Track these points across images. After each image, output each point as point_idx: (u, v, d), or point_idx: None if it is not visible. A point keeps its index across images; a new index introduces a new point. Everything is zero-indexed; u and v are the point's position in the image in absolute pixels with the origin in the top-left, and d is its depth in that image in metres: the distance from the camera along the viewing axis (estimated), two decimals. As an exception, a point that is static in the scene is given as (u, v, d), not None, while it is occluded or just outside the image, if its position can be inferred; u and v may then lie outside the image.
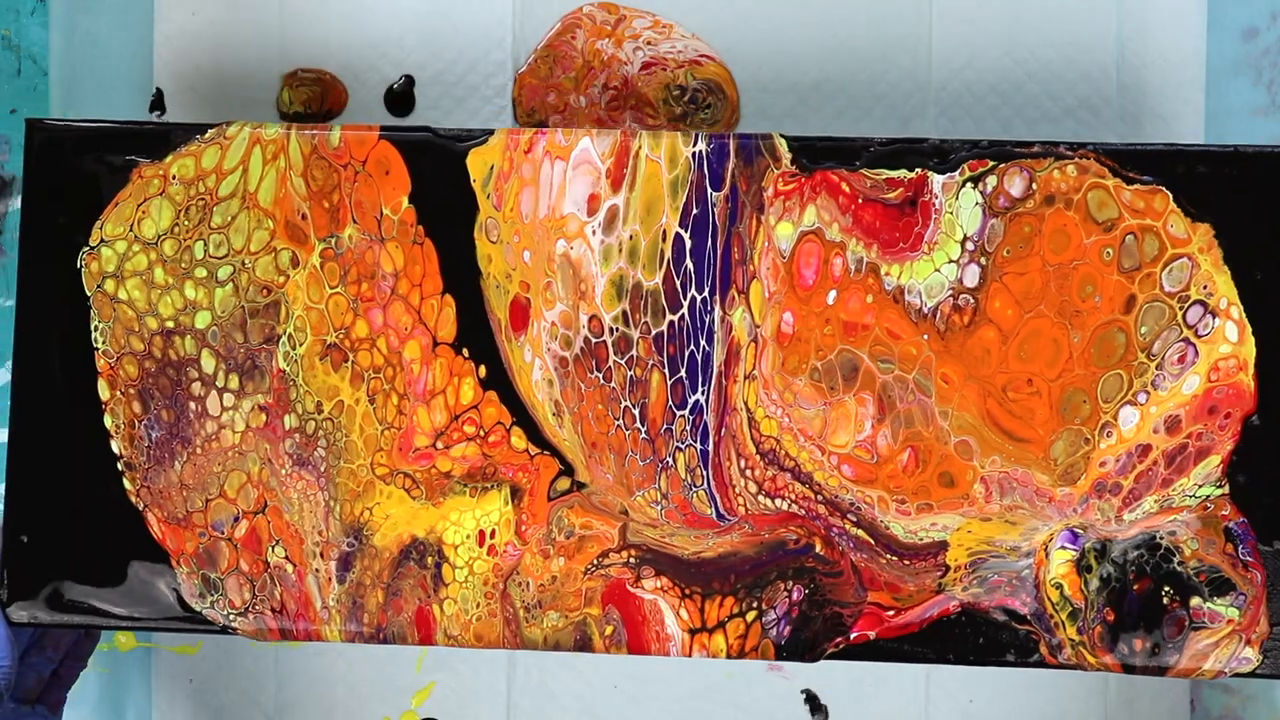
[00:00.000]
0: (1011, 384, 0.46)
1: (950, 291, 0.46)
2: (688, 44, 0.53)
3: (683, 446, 0.47)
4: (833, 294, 0.46)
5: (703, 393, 0.46)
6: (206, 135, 0.47)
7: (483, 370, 0.47)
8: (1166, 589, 0.46)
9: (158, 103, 0.60)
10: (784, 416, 0.46)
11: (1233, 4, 0.60)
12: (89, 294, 0.47)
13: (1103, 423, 0.46)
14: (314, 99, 0.60)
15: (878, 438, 0.46)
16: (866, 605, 0.47)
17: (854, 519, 0.47)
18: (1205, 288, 0.46)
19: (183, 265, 0.47)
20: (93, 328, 0.47)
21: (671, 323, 0.46)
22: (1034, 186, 0.46)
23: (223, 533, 0.47)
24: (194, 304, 0.47)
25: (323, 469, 0.47)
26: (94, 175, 0.47)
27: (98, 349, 0.47)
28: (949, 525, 0.47)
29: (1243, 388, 0.46)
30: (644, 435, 0.47)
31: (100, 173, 0.47)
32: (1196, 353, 0.46)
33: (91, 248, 0.47)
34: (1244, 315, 0.46)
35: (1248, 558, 0.46)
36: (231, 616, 0.47)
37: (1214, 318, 0.46)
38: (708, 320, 0.46)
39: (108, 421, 0.47)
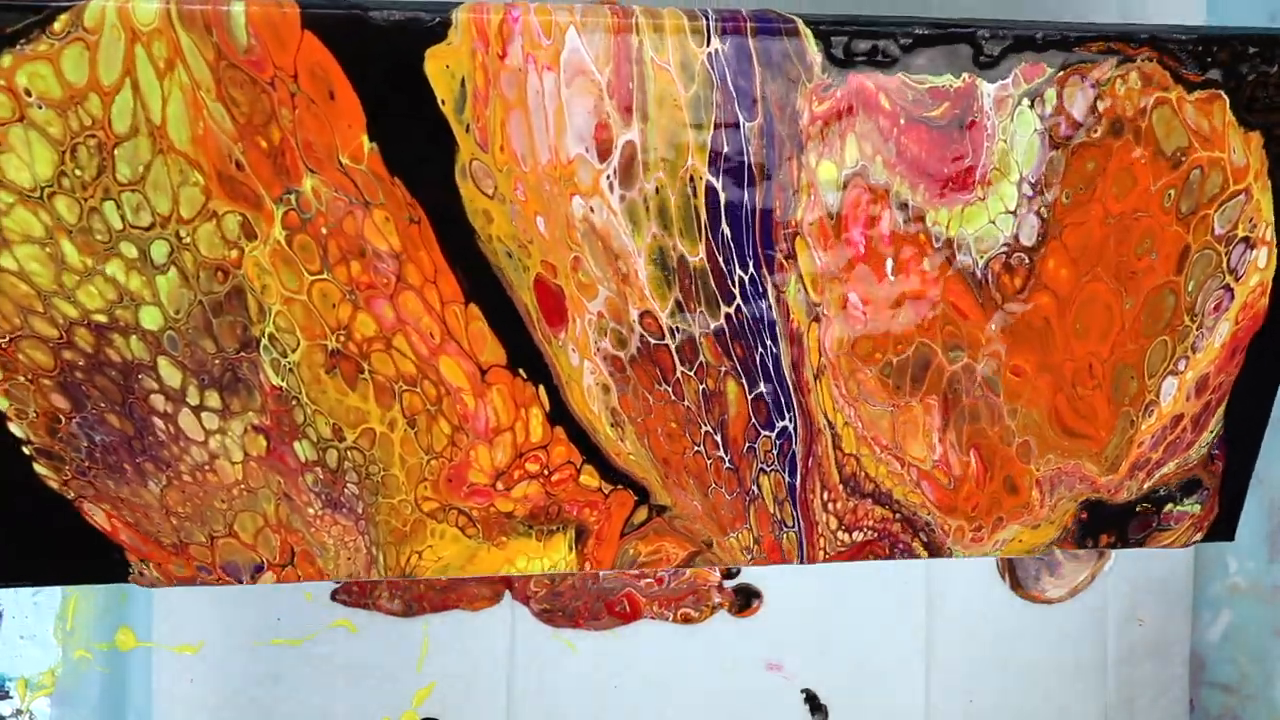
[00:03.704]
0: (1078, 377, 0.44)
1: (1005, 247, 0.42)
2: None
3: (768, 469, 0.43)
4: (889, 263, 0.41)
5: (790, 419, 0.42)
6: (56, 28, 0.33)
7: (542, 392, 0.40)
8: (1144, 503, 0.48)
9: None
10: (856, 420, 0.43)
11: (1233, 4, 0.61)
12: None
13: (1147, 401, 0.45)
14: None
15: (949, 453, 0.44)
16: None
17: (924, 539, 0.46)
18: (1251, 220, 0.43)
19: (98, 237, 0.36)
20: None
21: (728, 315, 0.41)
22: (1098, 106, 0.40)
23: (240, 580, 0.41)
24: (131, 296, 0.37)
25: (360, 510, 0.40)
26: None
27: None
28: (1005, 539, 0.46)
29: (1260, 312, 0.45)
30: (728, 464, 0.42)
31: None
32: (1232, 297, 0.44)
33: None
34: (1274, 233, 0.44)
35: (1215, 451, 0.48)
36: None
37: (1252, 250, 0.44)
38: (763, 307, 0.41)
39: None
